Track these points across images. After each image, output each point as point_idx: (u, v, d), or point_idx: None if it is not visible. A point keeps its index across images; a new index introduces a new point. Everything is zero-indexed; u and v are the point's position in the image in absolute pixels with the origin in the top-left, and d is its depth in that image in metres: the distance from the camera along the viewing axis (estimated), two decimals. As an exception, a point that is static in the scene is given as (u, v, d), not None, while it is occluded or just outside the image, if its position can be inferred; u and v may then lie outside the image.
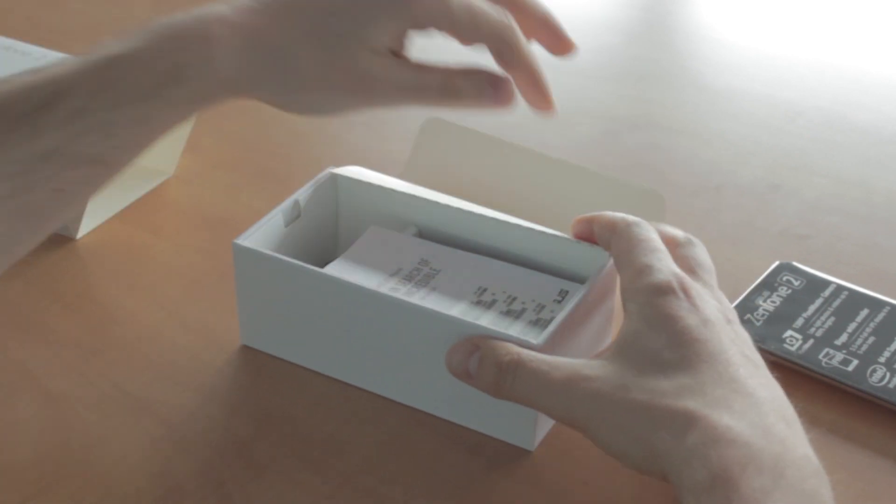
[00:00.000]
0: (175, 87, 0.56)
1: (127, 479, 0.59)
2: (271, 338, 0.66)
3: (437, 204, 0.68)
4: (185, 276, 0.73)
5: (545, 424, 0.61)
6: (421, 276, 0.64)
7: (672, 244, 0.60)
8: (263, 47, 0.58)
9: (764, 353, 0.65)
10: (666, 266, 0.56)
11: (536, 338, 0.57)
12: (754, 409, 0.50)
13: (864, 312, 0.68)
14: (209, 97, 0.58)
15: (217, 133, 0.88)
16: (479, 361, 0.57)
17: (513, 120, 0.68)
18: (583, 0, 1.19)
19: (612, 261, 0.61)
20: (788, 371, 0.65)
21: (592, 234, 0.62)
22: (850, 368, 0.64)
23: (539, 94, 0.62)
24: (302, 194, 0.68)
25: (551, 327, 0.58)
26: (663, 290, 0.54)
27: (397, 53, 0.60)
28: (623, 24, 1.16)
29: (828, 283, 0.71)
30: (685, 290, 0.54)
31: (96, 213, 0.77)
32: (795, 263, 0.72)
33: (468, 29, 0.60)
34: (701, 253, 0.60)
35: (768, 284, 0.70)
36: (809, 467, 0.49)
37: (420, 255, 0.66)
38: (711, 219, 0.80)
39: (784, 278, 0.71)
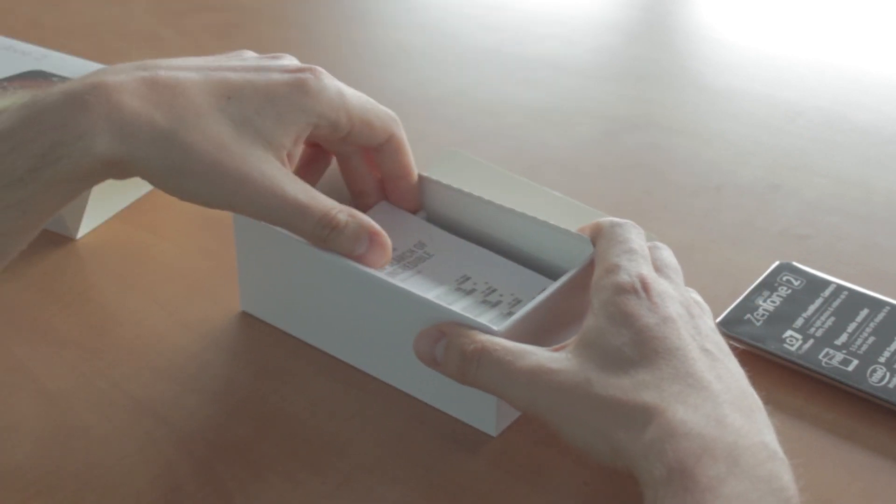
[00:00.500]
0: (49, 169, 0.55)
1: (127, 479, 0.59)
2: (267, 306, 0.69)
3: (447, 188, 0.69)
4: (185, 276, 0.73)
5: (509, 410, 0.62)
6: (413, 259, 0.65)
7: None
8: (151, 127, 0.56)
9: (764, 353, 0.65)
10: (634, 267, 0.57)
11: (499, 325, 0.58)
12: (709, 401, 0.51)
13: (864, 312, 0.68)
14: (89, 176, 0.56)
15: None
16: (444, 348, 0.57)
17: (513, 120, 0.69)
18: (583, 0, 1.19)
19: (590, 258, 0.62)
20: (788, 371, 0.65)
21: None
22: (850, 368, 0.64)
23: (408, 196, 0.68)
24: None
25: (515, 316, 0.59)
26: (625, 289, 0.55)
27: (291, 158, 0.62)
28: (623, 24, 1.16)
29: (828, 283, 0.71)
30: (646, 290, 0.55)
31: (96, 213, 0.77)
32: (795, 263, 0.72)
33: (365, 130, 0.63)
34: (666, 255, 0.61)
35: (768, 284, 0.70)
36: (765, 452, 0.49)
37: (419, 237, 0.67)
38: (711, 219, 0.80)
39: (784, 278, 0.71)
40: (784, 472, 0.49)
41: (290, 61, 0.63)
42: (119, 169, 0.57)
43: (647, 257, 0.59)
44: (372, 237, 0.61)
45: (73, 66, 0.88)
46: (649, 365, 0.52)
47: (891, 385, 0.63)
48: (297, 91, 0.60)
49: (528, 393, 0.55)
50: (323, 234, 0.60)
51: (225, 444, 0.61)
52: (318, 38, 1.07)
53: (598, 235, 0.61)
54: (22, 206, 0.55)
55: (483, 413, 0.61)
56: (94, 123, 0.55)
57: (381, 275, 0.62)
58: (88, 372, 0.66)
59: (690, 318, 0.56)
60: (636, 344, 0.53)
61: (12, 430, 0.62)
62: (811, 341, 0.66)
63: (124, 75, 0.58)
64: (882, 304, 0.69)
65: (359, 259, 0.61)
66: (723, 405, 0.51)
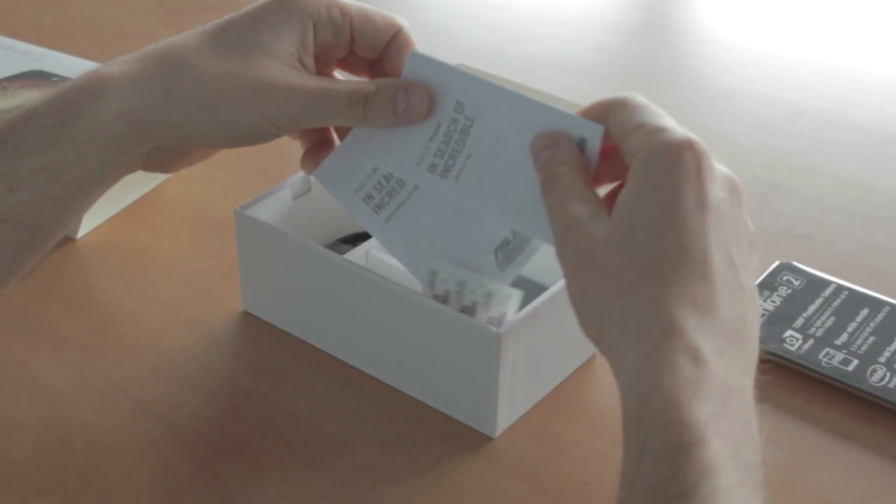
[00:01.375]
0: (70, 127, 0.55)
1: (127, 479, 0.59)
2: (268, 305, 0.69)
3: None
4: (185, 275, 0.73)
5: (510, 412, 0.62)
6: (455, 136, 0.59)
7: None
8: (160, 70, 0.57)
9: (764, 353, 0.65)
10: (681, 129, 0.50)
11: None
12: (714, 328, 0.47)
13: (864, 312, 0.68)
14: (110, 136, 0.56)
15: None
16: (546, 158, 0.54)
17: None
18: (583, 0, 1.19)
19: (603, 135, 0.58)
20: (788, 371, 0.65)
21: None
22: (851, 368, 0.64)
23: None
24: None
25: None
26: (673, 156, 0.49)
27: (305, 65, 0.60)
28: (623, 24, 1.16)
29: (828, 282, 0.71)
30: (697, 160, 0.49)
31: (96, 213, 0.77)
32: (796, 263, 0.72)
33: (367, 27, 0.60)
34: None
35: (768, 284, 0.70)
36: (747, 397, 0.47)
37: (456, 95, 0.59)
38: (711, 219, 0.80)
39: (784, 278, 0.71)
40: (754, 421, 0.47)
41: None
42: (139, 126, 0.57)
43: None
44: (407, 90, 0.59)
45: (73, 66, 0.88)
46: (670, 264, 0.48)
47: (891, 385, 0.63)
48: (286, 3, 0.59)
49: (562, 241, 0.52)
50: (358, 109, 0.58)
51: (225, 444, 0.61)
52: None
53: (609, 110, 0.55)
54: (49, 171, 0.55)
55: (484, 415, 0.61)
56: (107, 83, 0.56)
57: (378, 275, 0.62)
58: (88, 372, 0.66)
59: (730, 208, 0.49)
60: (665, 233, 0.48)
61: (12, 430, 0.62)
62: (811, 341, 0.66)
63: (131, 55, 0.59)
64: (882, 304, 0.69)
65: (404, 118, 0.59)
66: (725, 335, 0.48)
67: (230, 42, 0.58)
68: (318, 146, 0.63)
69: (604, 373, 0.66)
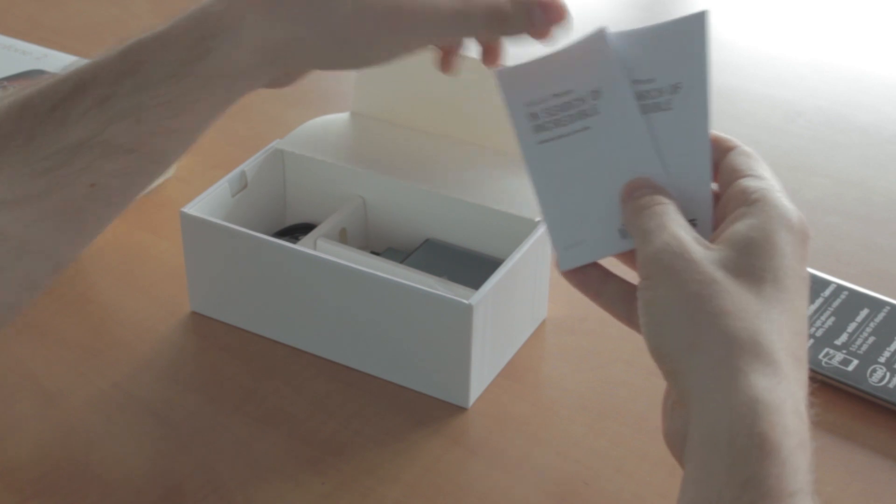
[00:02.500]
0: (202, 63, 0.54)
1: (127, 479, 0.59)
2: (220, 304, 0.69)
3: (381, 178, 0.71)
4: (184, 275, 0.73)
5: (480, 383, 0.64)
6: (564, 115, 0.58)
7: None
8: (291, 3, 0.54)
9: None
10: (797, 211, 0.53)
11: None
12: (798, 382, 0.48)
13: (864, 312, 0.68)
14: (242, 70, 0.55)
15: (217, 133, 0.87)
16: (643, 194, 0.53)
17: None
18: (583, 0, 1.19)
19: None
20: (788, 371, 0.65)
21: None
22: (850, 368, 0.64)
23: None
24: (248, 165, 0.71)
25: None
26: (797, 226, 0.51)
27: None
28: (623, 24, 1.16)
29: (828, 282, 0.70)
30: (805, 240, 0.51)
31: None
32: (795, 263, 0.72)
33: None
34: None
35: (768, 284, 0.70)
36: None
37: (597, 83, 0.58)
38: (711, 219, 0.80)
39: (784, 278, 0.71)
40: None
41: None
42: (274, 58, 0.56)
43: None
44: (543, 5, 0.58)
45: (73, 66, 0.88)
46: (782, 310, 0.49)
47: (891, 385, 0.63)
48: None
49: (659, 252, 0.50)
50: (495, 28, 0.58)
51: (225, 444, 0.61)
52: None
53: (731, 149, 0.56)
54: (176, 105, 0.54)
55: (456, 387, 0.63)
56: (244, 15, 0.54)
57: (345, 262, 0.63)
58: (88, 372, 0.66)
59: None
60: (780, 282, 0.49)
61: (12, 430, 0.62)
62: (811, 341, 0.66)
63: None
64: (882, 304, 0.69)
65: (542, 26, 0.58)
66: (799, 392, 0.48)
67: None
68: (449, 52, 0.61)
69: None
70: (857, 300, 0.69)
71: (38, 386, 0.64)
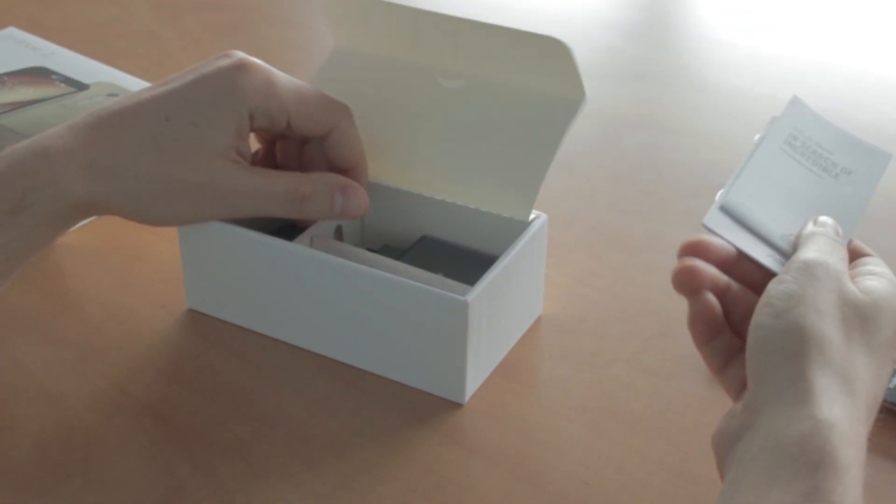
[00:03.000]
0: (24, 214, 0.59)
1: (127, 479, 0.59)
2: (217, 301, 0.69)
3: (376, 176, 0.71)
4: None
5: (475, 379, 0.64)
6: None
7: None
8: (100, 167, 0.61)
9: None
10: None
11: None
12: (862, 423, 0.51)
13: (864, 312, 0.68)
14: (62, 220, 0.61)
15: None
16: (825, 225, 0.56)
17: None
18: (583, 0, 1.19)
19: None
20: (788, 371, 0.65)
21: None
22: (850, 368, 0.64)
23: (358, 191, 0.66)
24: None
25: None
26: (885, 303, 0.53)
27: (242, 154, 0.63)
28: (623, 24, 1.16)
29: (828, 283, 0.70)
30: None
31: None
32: (795, 263, 0.72)
33: (304, 120, 0.64)
34: None
35: (768, 284, 0.70)
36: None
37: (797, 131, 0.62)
38: (711, 219, 0.80)
39: (784, 278, 0.71)
40: None
41: (225, 61, 0.64)
42: (89, 212, 0.62)
43: None
44: (344, 190, 0.65)
45: (77, 66, 0.88)
46: (877, 355, 0.51)
47: (891, 385, 0.63)
48: (226, 91, 0.62)
49: (815, 259, 0.52)
50: (295, 207, 0.64)
51: (225, 444, 0.61)
52: (318, 39, 1.07)
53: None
54: (4, 250, 0.59)
55: (452, 383, 0.63)
56: (58, 173, 0.60)
57: (340, 258, 0.63)
58: (88, 372, 0.66)
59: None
60: (884, 340, 0.52)
61: (12, 430, 0.62)
62: (811, 341, 0.66)
63: (76, 124, 0.62)
64: (882, 304, 0.69)
65: (342, 214, 0.65)
66: (865, 430, 0.51)
67: (170, 137, 0.62)
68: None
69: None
70: (857, 300, 0.69)
71: (38, 386, 0.65)
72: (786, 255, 0.56)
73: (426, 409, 0.63)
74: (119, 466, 0.59)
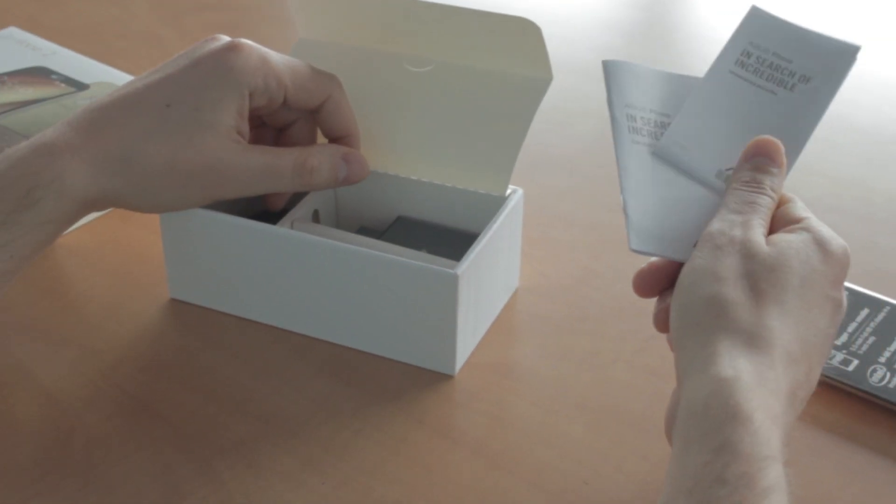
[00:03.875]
0: (29, 212, 0.59)
1: (127, 479, 0.59)
2: (199, 289, 0.70)
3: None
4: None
5: (464, 351, 0.65)
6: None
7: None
8: (108, 159, 0.61)
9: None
10: (841, 242, 0.55)
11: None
12: (794, 369, 0.51)
13: (865, 312, 0.68)
14: (67, 216, 0.61)
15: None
16: (755, 165, 0.57)
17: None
18: (583, 0, 1.19)
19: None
20: (788, 371, 0.65)
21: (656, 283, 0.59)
22: (851, 368, 0.64)
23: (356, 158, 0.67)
24: None
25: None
26: (835, 256, 0.54)
27: (242, 134, 0.64)
28: (623, 24, 1.16)
29: (828, 283, 0.70)
30: (844, 270, 0.55)
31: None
32: (795, 263, 0.72)
33: (300, 93, 0.65)
34: None
35: (768, 284, 0.70)
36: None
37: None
38: (711, 219, 0.80)
39: (784, 278, 0.71)
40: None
41: (215, 44, 0.65)
42: (96, 205, 0.62)
43: None
44: (346, 157, 0.66)
45: (78, 65, 0.88)
46: (793, 312, 0.52)
47: (891, 385, 0.63)
48: (224, 73, 0.63)
49: (720, 229, 0.54)
50: (304, 180, 0.65)
51: (225, 444, 0.61)
52: (318, 38, 1.07)
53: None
54: (9, 249, 0.59)
55: (443, 355, 0.64)
56: (63, 170, 0.60)
57: (326, 238, 0.65)
58: (88, 372, 0.66)
59: (840, 315, 0.55)
60: (808, 298, 0.52)
61: (12, 430, 0.62)
62: (811, 341, 0.66)
63: (78, 120, 0.62)
64: (882, 304, 0.69)
65: (346, 181, 0.67)
66: (784, 382, 0.51)
67: (174, 121, 0.62)
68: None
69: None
70: (858, 300, 0.69)
71: (38, 386, 0.65)
72: (721, 193, 0.57)
73: (427, 409, 0.63)
74: (119, 466, 0.59)
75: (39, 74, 0.86)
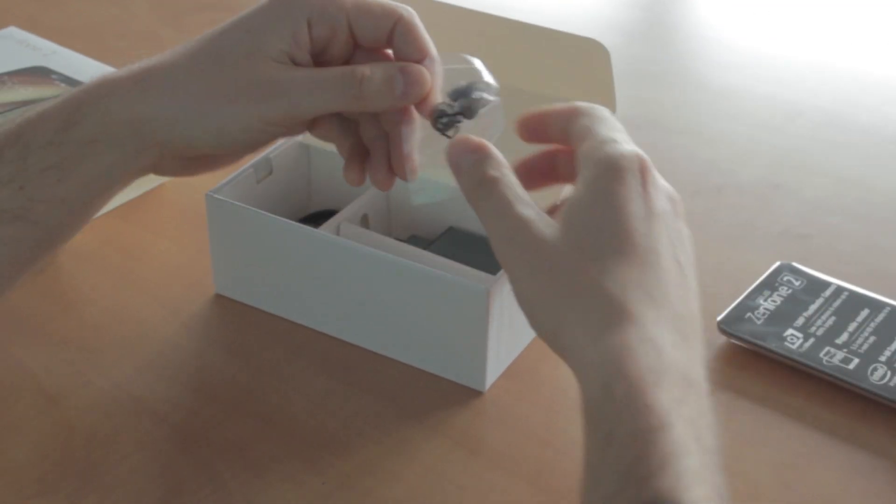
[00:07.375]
0: (77, 129, 0.57)
1: (127, 479, 0.59)
2: (243, 286, 0.70)
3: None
4: (185, 275, 0.73)
5: (497, 366, 0.65)
6: None
7: None
8: (154, 78, 0.59)
9: (765, 350, 0.65)
10: (632, 146, 0.53)
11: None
12: (671, 321, 0.49)
13: (865, 313, 0.68)
14: (115, 139, 0.58)
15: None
16: (472, 163, 0.54)
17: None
18: (583, 0, 1.19)
19: None
20: (789, 370, 0.65)
21: (542, 131, 0.58)
22: (851, 367, 0.64)
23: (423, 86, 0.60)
24: (273, 152, 0.73)
25: None
26: (622, 165, 0.51)
27: (298, 62, 0.59)
28: (623, 24, 1.16)
29: (828, 283, 0.70)
30: (643, 173, 0.52)
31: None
32: (796, 264, 0.72)
33: (364, 18, 0.59)
34: None
35: (769, 284, 0.70)
36: (703, 386, 0.48)
37: None
38: (711, 219, 0.80)
39: (785, 278, 0.71)
40: (711, 410, 0.48)
41: None
42: (141, 132, 0.58)
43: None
44: (404, 71, 0.59)
45: (78, 65, 0.88)
46: (623, 260, 0.49)
47: (891, 383, 0.63)
48: (282, 1, 0.59)
49: (506, 243, 0.52)
50: (354, 92, 0.59)
51: (225, 444, 0.61)
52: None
53: (572, 116, 0.56)
54: (57, 170, 0.57)
55: (473, 370, 0.64)
56: (113, 89, 0.58)
57: (363, 245, 0.64)
58: (88, 372, 0.66)
59: (674, 219, 0.52)
60: (617, 233, 0.50)
61: (12, 430, 0.62)
62: (812, 340, 0.66)
63: (137, 64, 0.60)
64: (882, 304, 0.69)
65: (403, 97, 0.59)
66: (678, 330, 0.49)
67: (223, 47, 0.59)
68: (354, 156, 0.62)
69: None
70: (858, 301, 0.69)
71: (38, 386, 0.64)
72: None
73: (425, 409, 0.63)
74: (119, 466, 0.59)
75: (39, 74, 0.86)
